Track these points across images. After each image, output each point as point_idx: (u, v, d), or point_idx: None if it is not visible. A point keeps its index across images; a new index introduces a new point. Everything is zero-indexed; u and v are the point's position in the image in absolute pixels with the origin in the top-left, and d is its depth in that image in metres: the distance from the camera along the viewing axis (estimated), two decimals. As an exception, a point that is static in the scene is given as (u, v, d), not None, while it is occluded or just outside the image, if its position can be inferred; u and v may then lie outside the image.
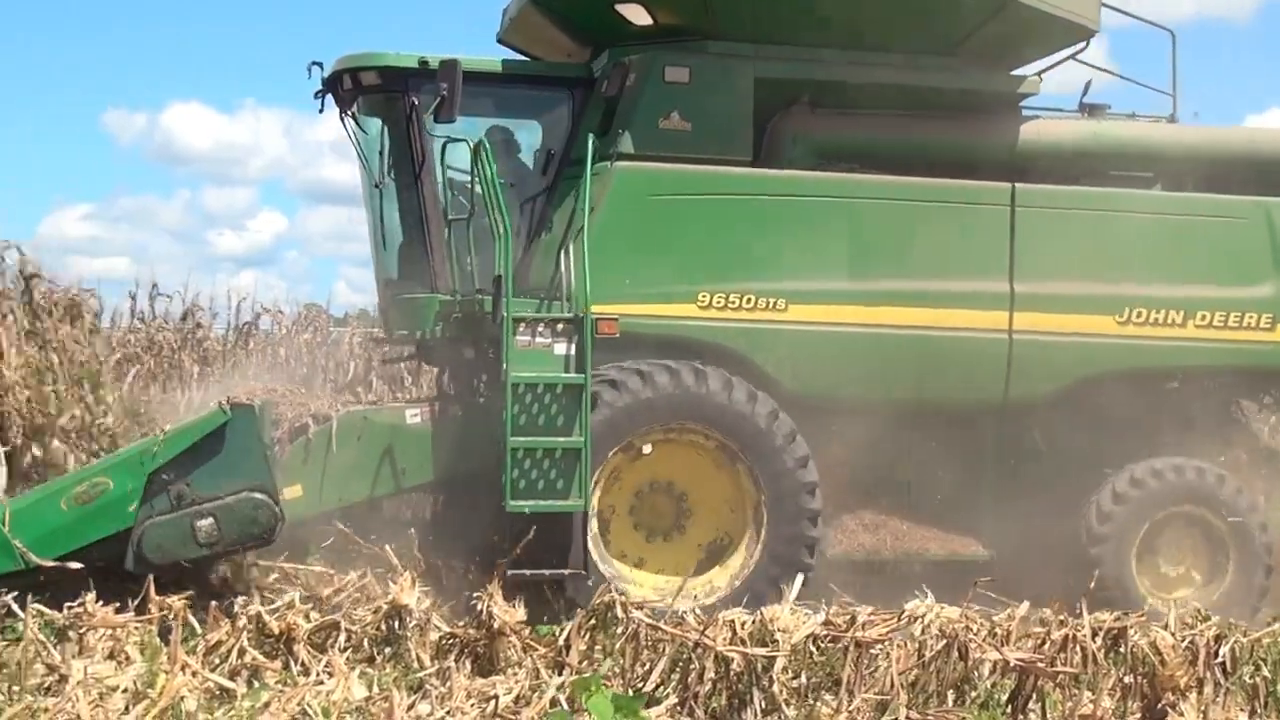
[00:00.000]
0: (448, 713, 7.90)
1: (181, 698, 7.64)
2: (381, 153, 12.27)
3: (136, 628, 8.77)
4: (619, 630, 8.57)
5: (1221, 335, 12.61)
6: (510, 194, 11.66)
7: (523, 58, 13.17)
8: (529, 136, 12.53)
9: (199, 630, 8.91)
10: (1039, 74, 13.17)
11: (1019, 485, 12.65)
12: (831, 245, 12.02)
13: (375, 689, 8.18)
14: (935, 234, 12.28)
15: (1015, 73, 13.05)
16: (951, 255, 12.17)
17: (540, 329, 11.12)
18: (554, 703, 7.84)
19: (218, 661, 8.45)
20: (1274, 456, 14.47)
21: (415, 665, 8.69)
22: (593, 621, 8.72)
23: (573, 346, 11.12)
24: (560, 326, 11.24)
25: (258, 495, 10.59)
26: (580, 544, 11.02)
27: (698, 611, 9.28)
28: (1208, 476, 12.52)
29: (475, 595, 9.21)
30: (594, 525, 11.31)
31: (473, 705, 7.98)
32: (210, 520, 10.42)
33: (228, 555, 10.90)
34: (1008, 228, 12.29)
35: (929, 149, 12.52)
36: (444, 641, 8.86)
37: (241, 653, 8.48)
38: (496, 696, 7.98)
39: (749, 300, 11.90)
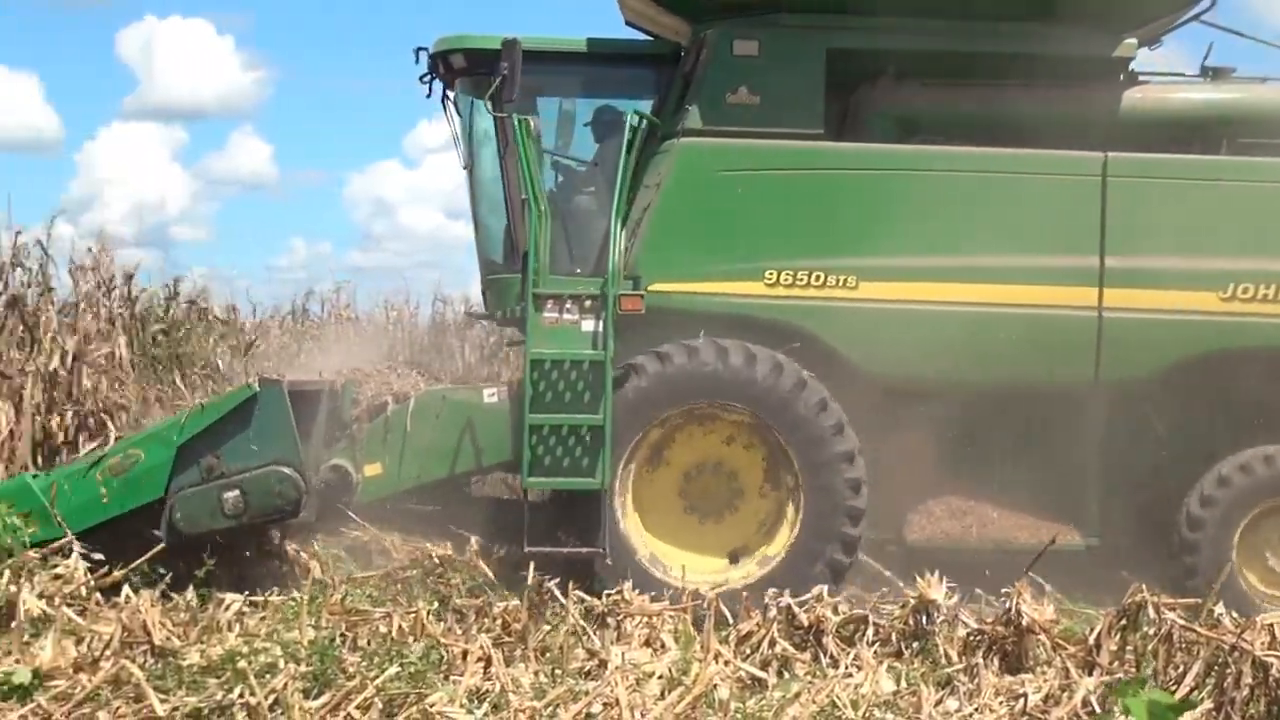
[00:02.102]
0: (976, 709, 8.83)
1: (715, 686, 8.68)
2: (470, 134, 13.29)
3: (671, 616, 10.03)
4: (1150, 631, 9.13)
5: None
6: (595, 172, 12.62)
7: (645, 37, 13.96)
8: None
9: (730, 620, 10.06)
10: (1158, 37, 13.23)
11: (1118, 473, 12.63)
12: (904, 220, 12.37)
13: (903, 683, 9.17)
14: (1017, 207, 12.50)
15: (1131, 37, 12.91)
16: (1035, 229, 12.38)
17: (568, 305, 11.98)
18: (1085, 703, 8.52)
19: (749, 651, 9.66)
20: None
21: (943, 661, 9.62)
22: (1123, 622, 9.32)
23: (601, 323, 11.88)
24: (588, 303, 12.14)
25: (283, 469, 11.86)
26: (605, 524, 11.89)
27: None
28: None
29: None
30: (626, 504, 12.22)
31: (1001, 703, 8.88)
32: (236, 493, 11.81)
33: (256, 527, 12.13)
34: (1098, 199, 12.33)
35: (1022, 119, 12.66)
36: (972, 638, 9.74)
37: (772, 643, 9.66)
38: (1025, 695, 8.84)
39: (818, 277, 12.45)
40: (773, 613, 9.86)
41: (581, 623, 9.76)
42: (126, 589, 10.41)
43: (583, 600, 10.33)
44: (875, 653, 9.67)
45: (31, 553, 10.65)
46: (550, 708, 8.21)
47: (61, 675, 8.68)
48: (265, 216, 75.40)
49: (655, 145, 12.81)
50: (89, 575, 10.57)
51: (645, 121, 12.71)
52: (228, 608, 10.15)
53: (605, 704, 8.23)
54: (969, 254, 12.47)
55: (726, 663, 9.24)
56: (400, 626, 9.83)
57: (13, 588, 9.79)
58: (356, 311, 26.52)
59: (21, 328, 16.85)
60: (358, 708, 8.11)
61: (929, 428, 12.65)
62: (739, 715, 8.44)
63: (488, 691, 8.46)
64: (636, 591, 10.69)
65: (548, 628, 9.85)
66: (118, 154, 69.08)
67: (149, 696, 8.18)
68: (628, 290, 12.35)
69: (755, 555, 12.31)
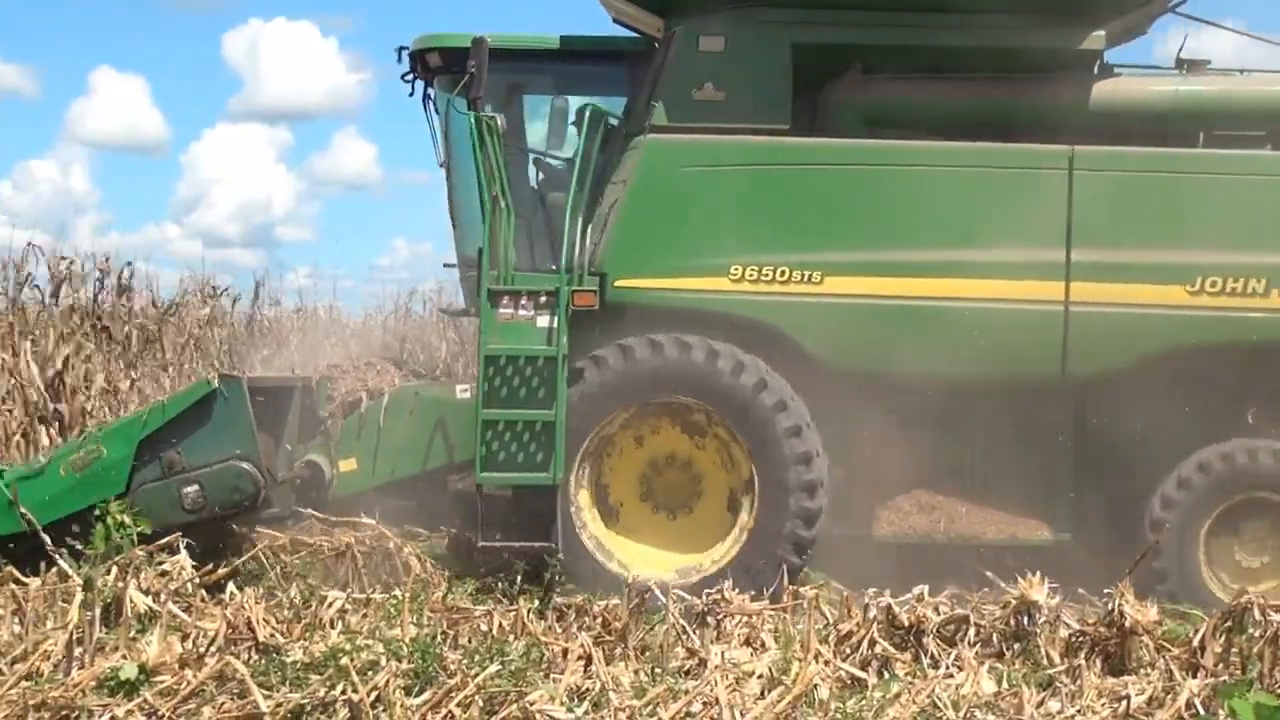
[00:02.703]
0: (1078, 711, 8.79)
1: (815, 685, 8.73)
2: (447, 132, 13.41)
3: (771, 615, 10.05)
4: (1256, 633, 9.08)
5: None
6: (566, 169, 12.91)
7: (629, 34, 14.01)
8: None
9: (830, 619, 10.08)
10: (1138, 29, 13.28)
11: (1089, 468, 12.57)
12: (869, 215, 12.54)
13: (1004, 684, 9.15)
14: (982, 201, 12.58)
15: (1104, 30, 12.88)
16: (1001, 223, 12.35)
17: (523, 302, 12.09)
18: (1189, 705, 8.49)
19: (849, 651, 9.64)
20: None
21: (1045, 662, 9.59)
22: (1228, 623, 9.26)
23: (555, 319, 11.99)
24: (543, 299, 12.32)
25: (242, 464, 12.12)
26: (558, 519, 12.13)
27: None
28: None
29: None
30: (582, 499, 12.48)
31: (1103, 705, 8.85)
32: (196, 487, 12.14)
33: (215, 521, 12.30)
34: (1065, 193, 12.29)
35: (992, 113, 12.73)
36: (1074, 639, 9.69)
37: (872, 643, 9.64)
38: (1128, 697, 8.80)
39: (783, 273, 12.59)
40: (873, 612, 9.85)
41: (681, 621, 9.79)
42: (231, 586, 10.57)
43: (682, 599, 10.38)
44: (976, 653, 9.63)
45: (139, 550, 10.85)
46: (650, 706, 8.27)
47: (167, 671, 8.79)
48: (368, 217, 76.07)
49: (625, 142, 12.93)
50: (195, 572, 10.74)
51: (604, 117, 12.90)
52: (330, 605, 10.28)
53: (705, 703, 8.27)
54: (934, 249, 12.61)
55: (826, 662, 9.26)
56: (501, 624, 9.95)
57: (120, 584, 9.95)
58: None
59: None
60: (458, 705, 8.19)
61: (896, 423, 12.68)
62: (839, 715, 8.46)
63: (588, 690, 8.53)
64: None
65: (648, 626, 9.90)
66: (223, 155, 69.98)
67: (253, 692, 8.30)
68: (580, 286, 12.48)
69: (710, 552, 12.47)
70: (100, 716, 8.37)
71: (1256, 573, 12.56)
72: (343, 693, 8.23)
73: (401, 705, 8.18)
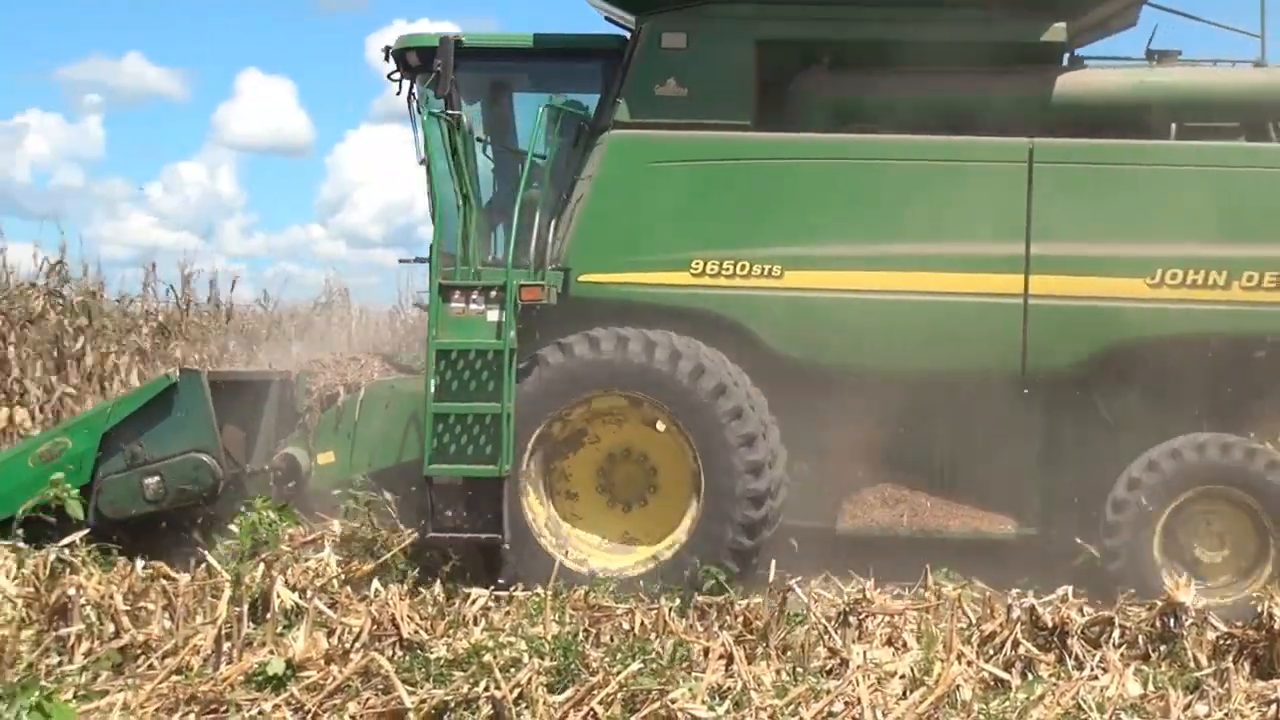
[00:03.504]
0: (1225, 715, 8.75)
1: (957, 686, 8.66)
2: (426, 130, 13.34)
3: (914, 615, 10.01)
4: None
5: (1274, 298, 12.27)
6: (544, 166, 13.05)
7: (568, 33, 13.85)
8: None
9: (972, 619, 10.03)
10: (1115, 20, 13.23)
11: (1052, 462, 12.86)
12: (830, 209, 12.53)
13: (1150, 687, 9.06)
14: (942, 195, 12.58)
15: (1073, 22, 12.80)
16: (960, 217, 12.28)
17: (474, 297, 12.18)
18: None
19: (992, 652, 9.60)
20: None
21: (1191, 665, 9.49)
22: (1382, 625, 9.11)
23: (505, 313, 12.04)
24: (493, 294, 12.42)
25: (201, 456, 12.48)
26: (505, 510, 12.18)
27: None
28: (1241, 454, 12.32)
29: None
30: (533, 490, 12.55)
31: (1252, 708, 8.80)
32: (156, 479, 12.48)
33: (176, 511, 12.56)
34: (1025, 186, 12.17)
35: (957, 106, 12.68)
36: (1221, 641, 9.59)
37: (1015, 644, 9.59)
38: (1278, 701, 8.69)
39: (743, 267, 12.71)
40: (1016, 613, 9.80)
41: (823, 621, 9.79)
42: (376, 582, 10.71)
43: (824, 598, 10.37)
44: (1121, 655, 9.58)
45: (285, 546, 11.02)
46: (791, 706, 8.27)
47: (313, 666, 8.94)
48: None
49: (594, 138, 13.06)
50: (340, 568, 10.89)
51: (561, 113, 13.07)
52: (474, 602, 10.39)
53: (846, 703, 8.27)
54: (895, 242, 12.66)
55: (969, 663, 9.19)
56: (643, 623, 10.01)
57: (267, 580, 10.12)
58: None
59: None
60: (600, 703, 8.24)
61: (859, 417, 12.63)
62: (982, 716, 8.42)
63: (729, 689, 8.52)
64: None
65: (789, 626, 9.89)
66: (366, 156, 70.69)
67: (397, 688, 8.40)
68: (528, 281, 12.58)
69: (665, 541, 12.45)
70: (248, 711, 8.52)
71: (1215, 568, 12.50)
72: (486, 689, 8.30)
73: (544, 702, 8.25)
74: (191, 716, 8.52)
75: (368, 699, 8.50)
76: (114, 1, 79.05)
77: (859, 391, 12.43)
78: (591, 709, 8.21)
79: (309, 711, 8.44)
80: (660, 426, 12.49)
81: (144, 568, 10.86)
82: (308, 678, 8.80)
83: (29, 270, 21.29)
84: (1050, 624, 9.76)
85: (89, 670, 9.36)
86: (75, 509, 11.90)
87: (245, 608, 9.68)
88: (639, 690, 8.38)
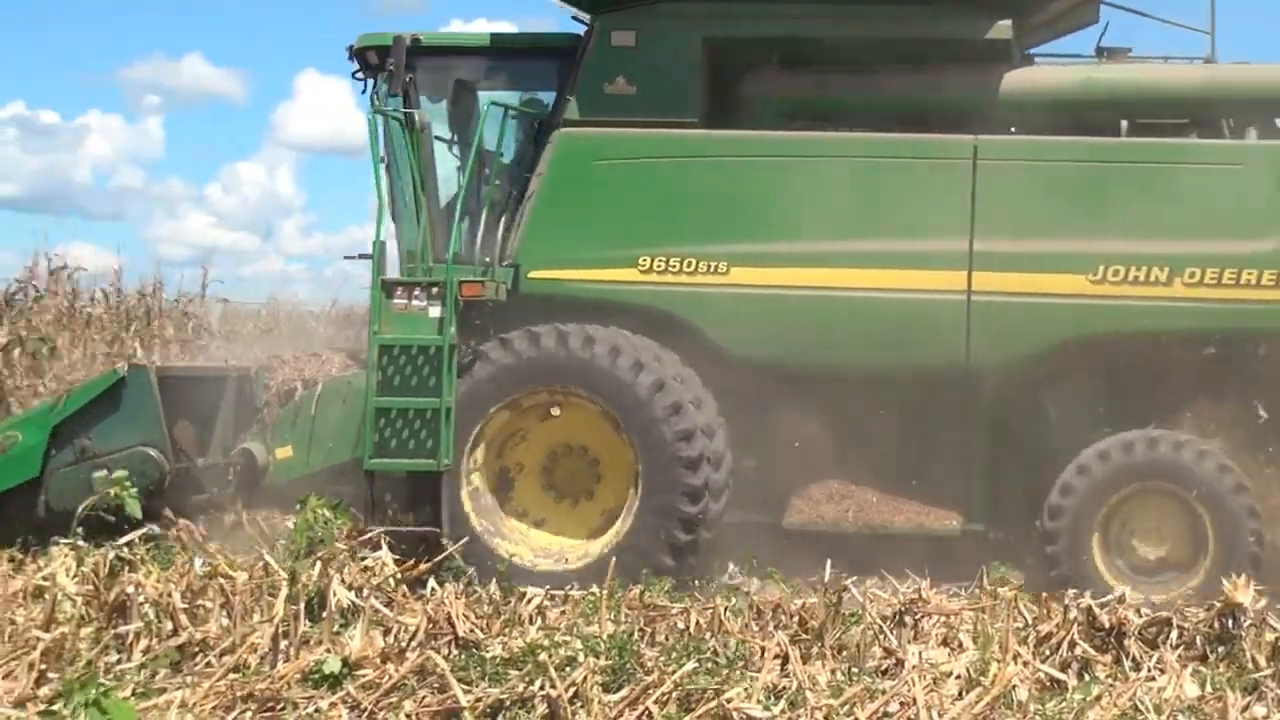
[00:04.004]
0: (1284, 717, 8.58)
1: (1013, 686, 8.66)
2: (387, 129, 13.48)
3: (970, 615, 9.97)
4: None
5: (1216, 295, 12.39)
6: (498, 163, 13.30)
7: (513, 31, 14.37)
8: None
9: (1029, 620, 9.98)
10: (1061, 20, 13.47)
11: (997, 458, 13.05)
12: (776, 206, 12.60)
13: (1208, 688, 8.96)
14: (888, 192, 12.81)
15: (1022, 19, 12.92)
16: (906, 213, 12.39)
17: (416, 293, 12.32)
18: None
19: (1048, 653, 9.55)
20: None
21: (1250, 666, 9.38)
22: None
23: (450, 309, 12.15)
24: (434, 290, 12.58)
25: (148, 450, 12.64)
26: (445, 504, 12.44)
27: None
28: (1183, 452, 12.42)
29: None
30: (475, 484, 12.67)
31: (1312, 711, 8.63)
32: (105, 472, 12.46)
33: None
34: (969, 183, 12.21)
35: (905, 103, 12.85)
36: (1280, 643, 9.45)
37: (1072, 645, 9.55)
38: (1338, 702, 8.58)
39: (690, 264, 12.87)
40: (1073, 614, 9.75)
41: (879, 621, 9.75)
42: (432, 581, 10.74)
43: (879, 598, 10.36)
44: (1179, 656, 9.49)
45: (341, 544, 11.06)
46: (847, 706, 8.26)
47: (369, 665, 8.97)
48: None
49: (546, 136, 13.23)
50: (396, 567, 10.92)
51: (506, 111, 13.25)
52: (529, 601, 10.41)
53: (902, 703, 8.26)
54: (839, 239, 12.76)
55: (1025, 664, 9.17)
56: (698, 622, 9.99)
57: (324, 579, 10.15)
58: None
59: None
60: (655, 702, 8.24)
61: (806, 413, 12.85)
62: (1038, 717, 8.40)
63: (784, 688, 8.53)
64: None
65: (844, 626, 9.86)
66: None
67: (453, 687, 8.43)
68: (468, 277, 12.71)
69: (606, 534, 12.58)
70: (305, 709, 8.57)
71: (1156, 564, 12.57)
72: (541, 688, 8.32)
73: (599, 701, 8.26)
74: (248, 714, 8.56)
75: (423, 697, 8.54)
76: (174, 3, 79.44)
77: (806, 388, 12.71)
78: (647, 708, 8.22)
79: (365, 710, 8.47)
80: (555, 412, 12.72)
81: (202, 565, 10.93)
82: (364, 676, 8.84)
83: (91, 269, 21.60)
84: (1107, 624, 9.70)
85: (147, 668, 9.40)
86: (134, 508, 12.04)
87: (302, 606, 9.70)
88: (694, 689, 8.38)
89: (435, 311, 12.64)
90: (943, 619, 10.04)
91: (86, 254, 42.74)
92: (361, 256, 13.47)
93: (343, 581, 10.22)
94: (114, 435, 12.97)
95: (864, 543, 12.72)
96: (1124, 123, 13.37)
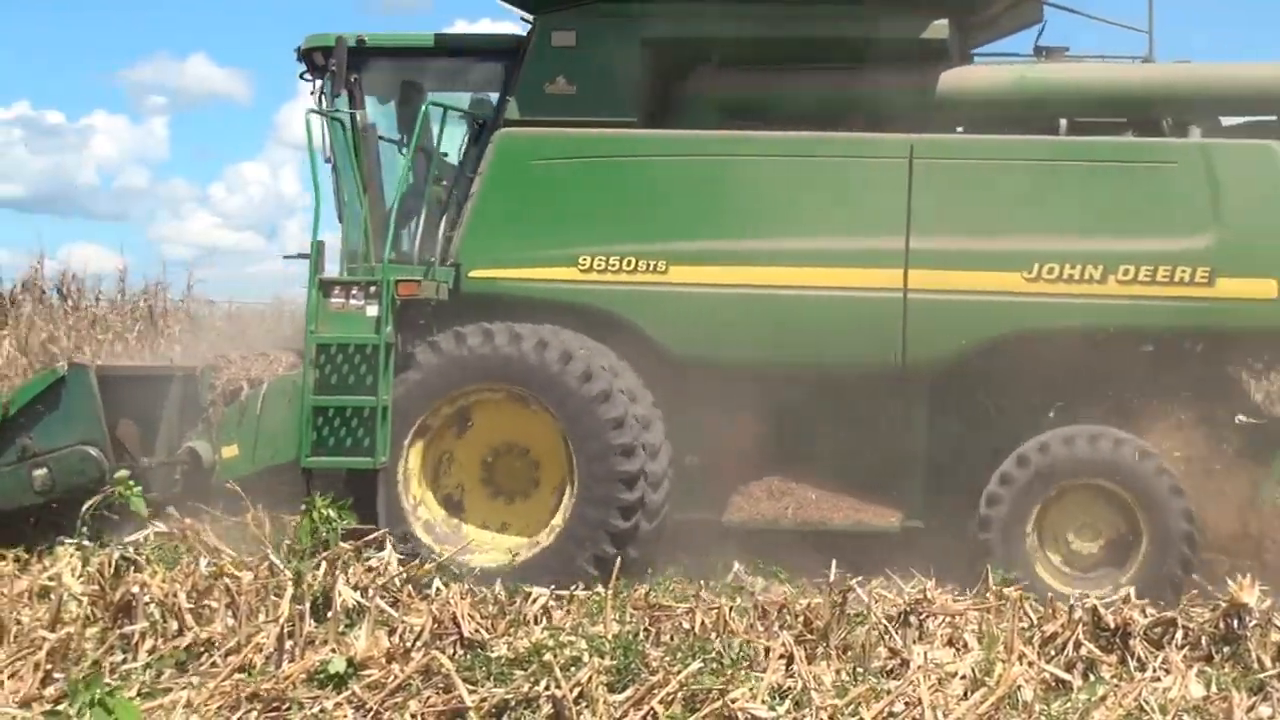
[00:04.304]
0: (1293, 716, 8.58)
1: (1018, 687, 8.64)
2: (331, 130, 13.64)
3: (975, 616, 9.97)
4: None
5: (1150, 292, 12.53)
6: (443, 164, 13.70)
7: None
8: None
9: (1034, 620, 9.98)
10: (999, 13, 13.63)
11: (936, 455, 13.17)
12: (713, 204, 12.72)
13: (1213, 688, 8.98)
14: (824, 190, 12.88)
15: (958, 19, 13.11)
16: (842, 212, 12.45)
17: (354, 292, 12.47)
18: None
19: (1053, 653, 9.56)
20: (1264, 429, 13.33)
21: (1255, 666, 9.40)
22: None
23: (386, 309, 12.64)
24: (371, 289, 12.77)
25: (88, 449, 12.74)
26: (381, 501, 12.58)
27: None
28: (1108, 445, 12.50)
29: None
30: (412, 483, 12.81)
31: (1317, 710, 8.62)
32: (45, 470, 12.71)
33: (63, 503, 12.78)
34: (905, 181, 12.30)
35: (841, 103, 12.97)
36: (1286, 642, 9.45)
37: (1077, 645, 9.55)
38: (1344, 703, 8.58)
39: (629, 263, 12.95)
40: (1078, 614, 9.75)
41: (884, 621, 9.75)
42: (437, 581, 10.74)
43: (885, 598, 10.36)
44: (1184, 656, 9.49)
45: (345, 545, 11.07)
46: (852, 706, 8.24)
47: (375, 665, 8.96)
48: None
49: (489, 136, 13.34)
50: (401, 567, 10.93)
51: (444, 111, 13.50)
52: (534, 601, 10.41)
53: (907, 703, 8.25)
54: (776, 238, 12.87)
55: (1030, 664, 9.15)
56: (703, 622, 9.99)
57: (329, 579, 10.17)
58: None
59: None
60: (660, 702, 8.23)
61: (746, 410, 12.93)
62: (1043, 717, 8.39)
63: (790, 688, 8.50)
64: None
65: (850, 626, 9.86)
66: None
67: (458, 687, 8.42)
68: (403, 276, 12.87)
69: (545, 528, 12.67)
70: (310, 709, 8.57)
71: (1091, 559, 12.67)
72: (546, 688, 8.31)
73: (604, 701, 8.25)
74: (254, 714, 8.56)
75: (429, 697, 8.53)
76: (178, 3, 79.50)
77: (745, 385, 12.76)
78: (652, 708, 8.20)
79: (370, 710, 8.47)
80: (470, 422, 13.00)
81: (208, 565, 10.94)
82: (369, 676, 8.83)
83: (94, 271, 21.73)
84: (1112, 625, 9.71)
85: (152, 667, 9.41)
86: (139, 505, 12.05)
87: (307, 606, 9.73)
88: (699, 690, 8.37)
89: (373, 310, 12.80)
90: (948, 619, 10.04)
91: (91, 254, 42.89)
92: (300, 256, 13.56)
93: (348, 582, 10.23)
94: (54, 434, 13.05)
95: (804, 539, 12.92)
96: (1063, 122, 13.35)
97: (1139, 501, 12.40)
